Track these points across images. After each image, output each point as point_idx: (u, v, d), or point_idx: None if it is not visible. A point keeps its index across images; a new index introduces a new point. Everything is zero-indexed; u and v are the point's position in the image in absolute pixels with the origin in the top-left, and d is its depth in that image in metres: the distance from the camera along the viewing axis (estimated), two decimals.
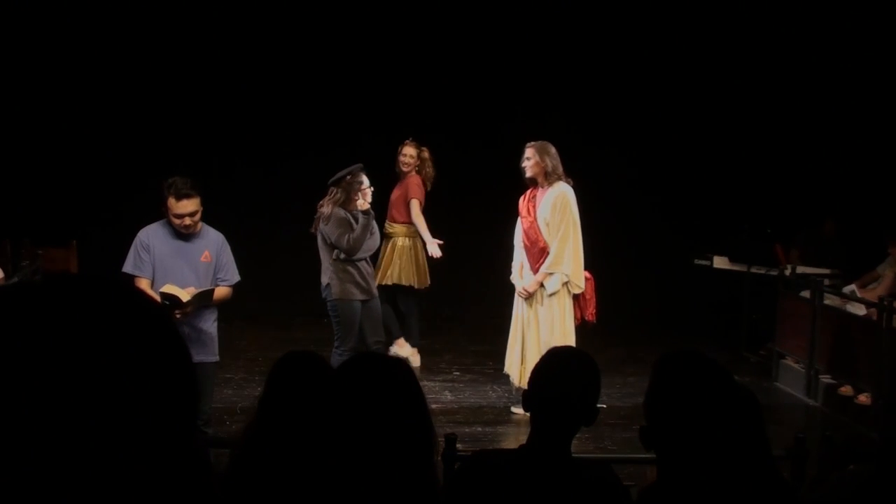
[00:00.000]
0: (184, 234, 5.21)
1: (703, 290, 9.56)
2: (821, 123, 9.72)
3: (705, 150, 10.00)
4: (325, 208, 6.46)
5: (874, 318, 7.17)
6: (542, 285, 6.68)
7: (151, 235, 5.24)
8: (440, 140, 9.69)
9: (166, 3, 9.45)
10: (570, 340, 6.55)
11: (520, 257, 6.84)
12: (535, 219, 6.67)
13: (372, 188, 6.56)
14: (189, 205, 5.11)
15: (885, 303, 6.99)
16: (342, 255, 6.43)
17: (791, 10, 9.55)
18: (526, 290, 6.72)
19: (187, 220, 5.14)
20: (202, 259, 5.28)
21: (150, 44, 9.39)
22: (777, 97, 9.88)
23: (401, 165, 8.07)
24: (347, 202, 6.46)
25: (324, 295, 6.59)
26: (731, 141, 9.99)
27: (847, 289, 7.84)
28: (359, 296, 6.51)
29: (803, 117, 9.79)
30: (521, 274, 6.83)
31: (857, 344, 7.34)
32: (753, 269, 8.96)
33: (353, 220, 6.45)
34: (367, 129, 8.70)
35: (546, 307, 6.68)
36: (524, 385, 6.55)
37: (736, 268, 9.07)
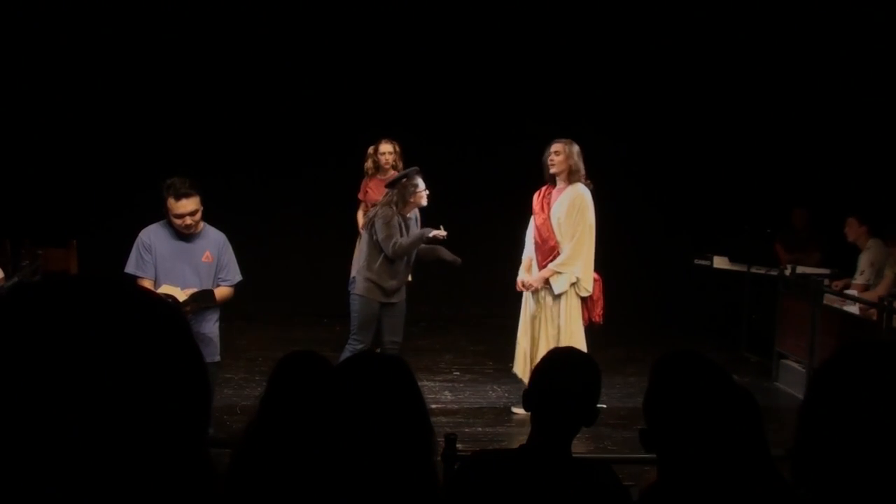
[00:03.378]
0: (185, 235, 5.20)
1: (703, 290, 9.56)
2: (819, 122, 9.73)
3: (706, 149, 10.00)
4: (380, 208, 6.53)
5: (874, 317, 7.18)
6: (547, 282, 6.65)
7: (153, 236, 5.23)
8: (442, 141, 9.71)
9: (166, 4, 9.45)
10: (579, 341, 6.52)
11: (530, 252, 6.83)
12: (549, 216, 6.65)
13: (428, 191, 6.55)
14: (189, 204, 5.11)
15: (885, 303, 7.00)
16: (390, 252, 6.47)
17: (789, 10, 9.55)
18: (528, 284, 6.68)
19: (188, 220, 5.13)
20: (203, 259, 5.27)
21: (150, 45, 9.39)
22: (776, 97, 9.88)
23: (382, 163, 7.99)
24: (403, 205, 6.48)
25: (349, 287, 6.69)
26: (731, 141, 10.00)
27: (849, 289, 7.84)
28: (380, 298, 6.54)
29: (802, 117, 9.79)
30: (528, 269, 6.81)
31: None
32: (753, 269, 8.97)
33: (403, 226, 6.47)
34: (366, 131, 8.68)
35: (554, 308, 6.66)
36: None
37: (736, 268, 9.08)
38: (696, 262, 9.32)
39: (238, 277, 5.39)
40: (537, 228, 6.71)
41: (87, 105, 9.40)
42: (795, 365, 8.11)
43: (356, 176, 8.16)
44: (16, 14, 9.16)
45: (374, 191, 7.94)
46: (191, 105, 9.50)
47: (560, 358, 2.68)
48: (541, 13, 9.83)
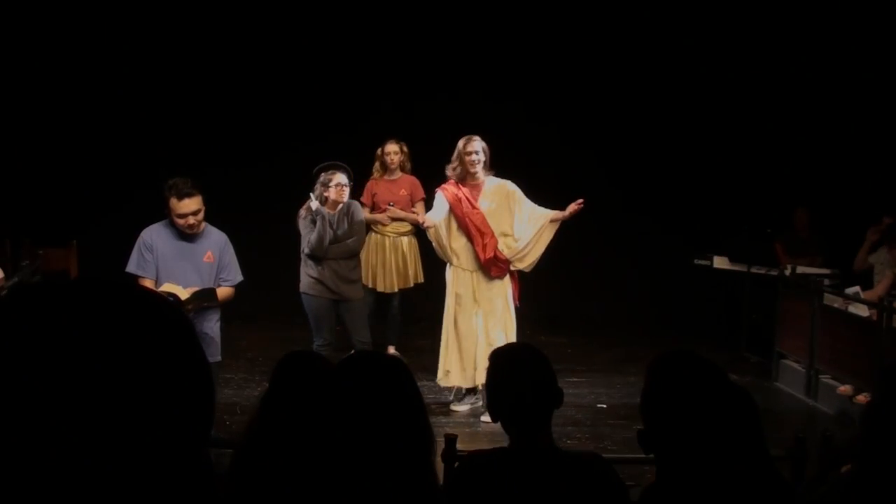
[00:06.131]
0: (187, 235, 5.22)
1: (703, 290, 9.56)
2: (819, 121, 9.73)
3: (706, 149, 10.00)
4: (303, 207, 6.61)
5: (874, 318, 7.18)
6: (499, 272, 6.70)
7: (154, 236, 5.24)
8: (434, 139, 9.70)
9: (165, 4, 9.46)
10: (513, 321, 6.67)
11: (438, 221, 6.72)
12: (483, 209, 6.64)
13: (343, 186, 6.52)
14: (191, 204, 5.13)
15: (885, 303, 7.00)
16: (306, 250, 6.58)
17: (790, 9, 9.56)
18: (565, 215, 6.60)
19: (191, 220, 5.15)
20: (205, 259, 5.28)
21: (149, 45, 9.40)
22: (776, 96, 9.88)
23: (388, 164, 8.00)
24: (324, 203, 6.54)
25: None
26: (731, 141, 10.00)
27: (851, 290, 7.83)
28: (325, 294, 6.59)
29: (802, 116, 9.79)
30: (449, 234, 6.74)
31: (856, 344, 7.34)
32: (753, 269, 8.96)
33: (330, 222, 6.53)
34: (374, 133, 8.69)
35: (500, 295, 6.69)
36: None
37: (736, 268, 9.08)
38: (696, 262, 9.32)
39: (239, 278, 5.40)
40: (477, 227, 6.63)
41: (87, 105, 9.41)
42: (795, 365, 8.11)
43: (361, 177, 8.16)
44: (16, 14, 9.17)
45: (382, 192, 7.98)
46: (190, 104, 9.50)
47: (503, 362, 2.69)
48: (546, 12, 9.83)
